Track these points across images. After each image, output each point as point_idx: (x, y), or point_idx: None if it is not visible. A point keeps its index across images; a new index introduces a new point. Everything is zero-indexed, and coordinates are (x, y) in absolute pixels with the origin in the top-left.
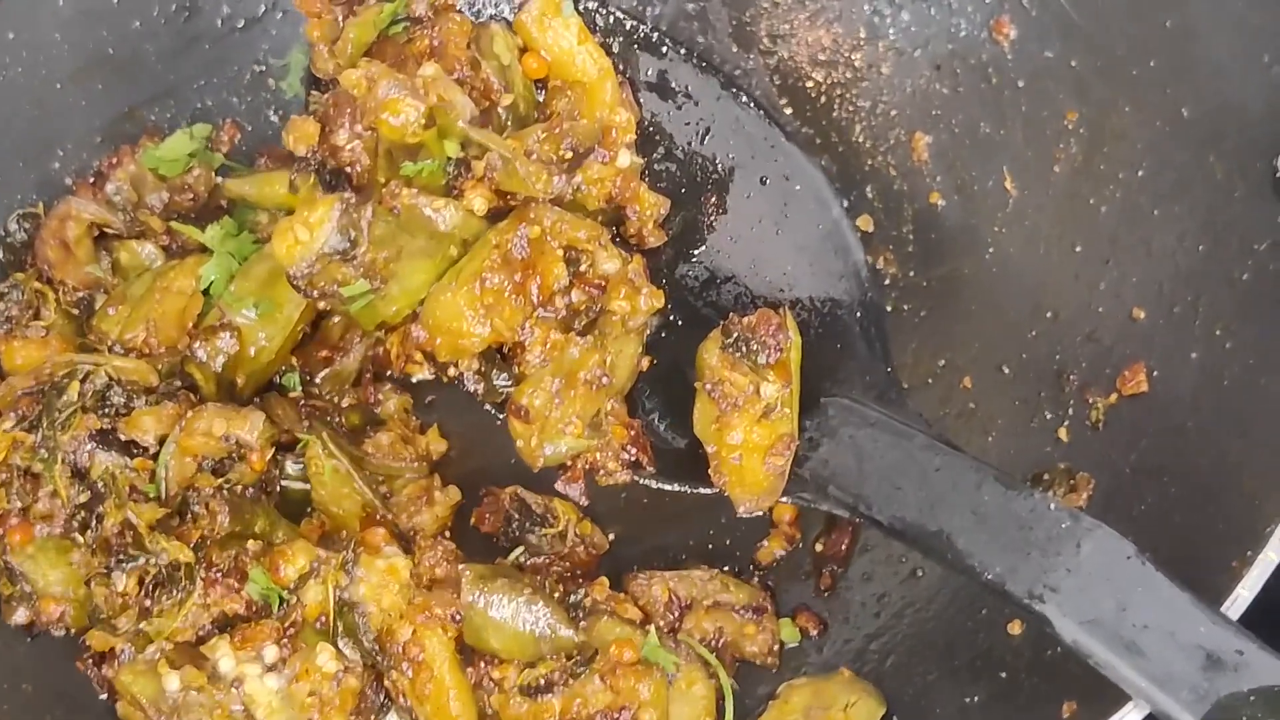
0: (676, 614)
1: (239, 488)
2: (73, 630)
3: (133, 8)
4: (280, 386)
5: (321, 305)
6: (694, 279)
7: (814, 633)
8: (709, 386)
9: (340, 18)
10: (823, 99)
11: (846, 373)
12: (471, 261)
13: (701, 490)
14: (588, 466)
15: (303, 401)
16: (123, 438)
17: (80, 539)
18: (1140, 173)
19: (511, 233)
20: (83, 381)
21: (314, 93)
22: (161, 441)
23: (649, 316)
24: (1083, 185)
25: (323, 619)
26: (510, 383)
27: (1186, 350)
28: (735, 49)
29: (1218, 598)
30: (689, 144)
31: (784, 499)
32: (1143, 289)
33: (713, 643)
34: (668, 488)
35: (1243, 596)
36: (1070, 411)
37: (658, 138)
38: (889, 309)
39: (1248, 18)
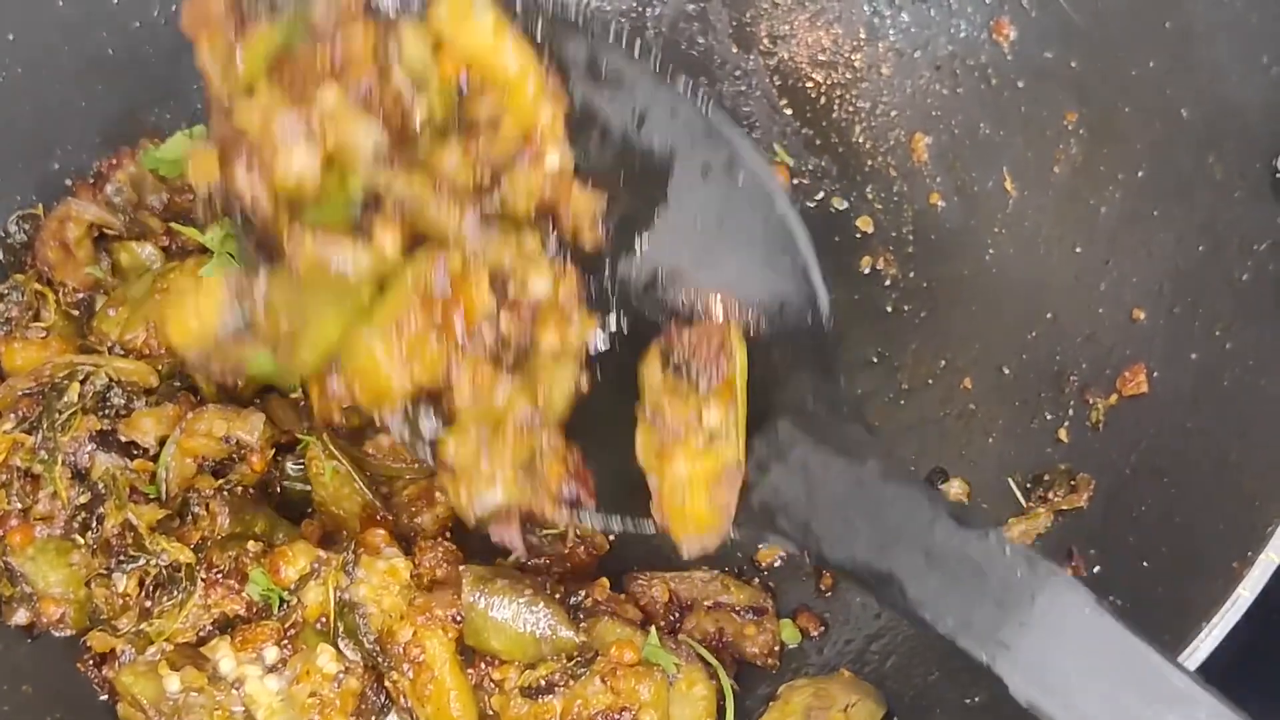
0: (677, 615)
1: (239, 489)
2: (73, 631)
3: (133, 8)
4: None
5: (228, 381)
6: (634, 277)
7: (814, 633)
8: (650, 414)
9: (233, 37)
10: (823, 100)
11: (796, 381)
12: (386, 305)
13: (643, 531)
14: (523, 514)
15: (303, 402)
16: (123, 439)
17: (80, 540)
18: (1140, 174)
19: (429, 266)
20: (83, 383)
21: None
22: (162, 443)
23: (582, 341)
24: (1082, 186)
25: (323, 620)
26: (440, 425)
27: (1186, 351)
28: (735, 49)
29: (1218, 599)
30: (623, 131)
31: (733, 534)
32: (1143, 290)
33: (713, 643)
34: (613, 528)
35: (1243, 597)
36: (1070, 412)
37: (589, 126)
38: (889, 309)
39: (1247, 18)
